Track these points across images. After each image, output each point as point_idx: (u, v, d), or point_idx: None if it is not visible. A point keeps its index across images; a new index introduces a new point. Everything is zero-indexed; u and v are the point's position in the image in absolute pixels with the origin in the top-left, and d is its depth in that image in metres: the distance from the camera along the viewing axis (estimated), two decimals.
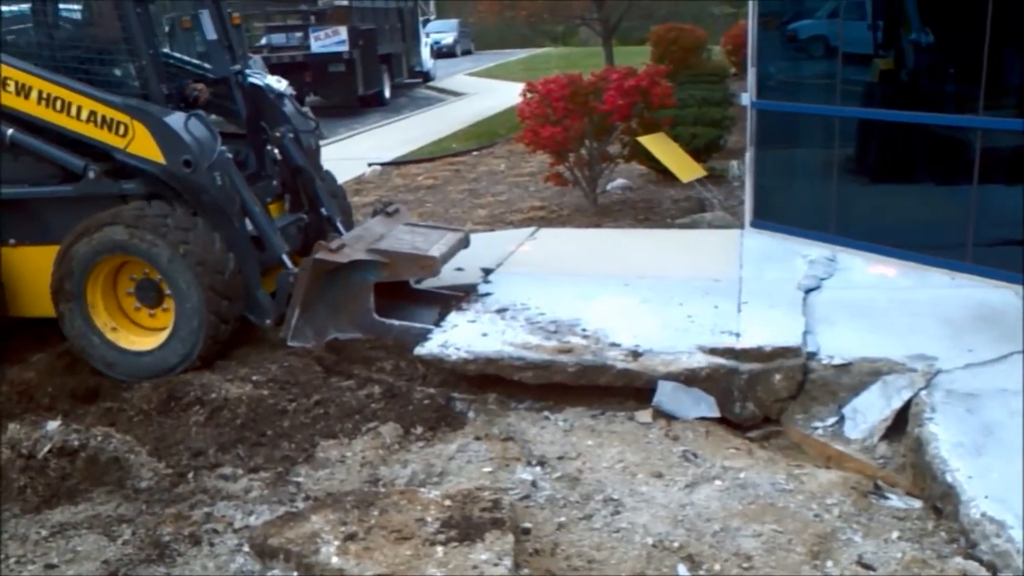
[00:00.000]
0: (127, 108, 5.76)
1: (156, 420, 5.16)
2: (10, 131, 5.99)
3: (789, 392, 5.11)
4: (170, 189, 5.98)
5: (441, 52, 37.18)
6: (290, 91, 7.10)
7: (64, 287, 5.86)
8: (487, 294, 6.47)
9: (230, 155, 6.07)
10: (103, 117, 5.77)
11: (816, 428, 4.89)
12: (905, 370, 4.93)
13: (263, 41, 23.44)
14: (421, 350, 5.59)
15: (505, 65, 34.41)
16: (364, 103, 22.27)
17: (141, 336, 5.99)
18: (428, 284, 6.62)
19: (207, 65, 6.81)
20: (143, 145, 5.73)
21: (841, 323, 5.65)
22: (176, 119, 5.76)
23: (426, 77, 29.00)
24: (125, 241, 5.72)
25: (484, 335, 5.69)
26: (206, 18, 6.58)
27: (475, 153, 14.21)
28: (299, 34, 22.55)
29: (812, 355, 5.22)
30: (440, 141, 15.79)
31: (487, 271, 6.98)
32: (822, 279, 6.48)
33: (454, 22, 42.89)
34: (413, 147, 15.09)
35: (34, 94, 5.85)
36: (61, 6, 6.38)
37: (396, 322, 6.03)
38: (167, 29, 18.71)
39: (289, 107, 6.89)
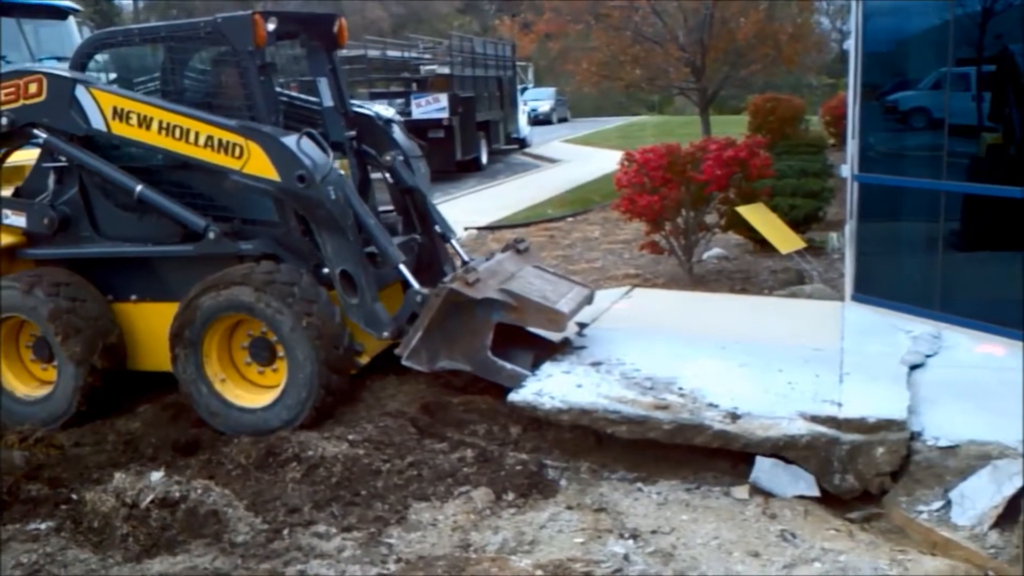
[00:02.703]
0: (242, 130, 5.93)
1: (254, 475, 5.26)
2: (139, 187, 6.25)
3: (891, 467, 4.94)
4: (284, 247, 6.17)
5: (537, 119, 37.69)
6: (398, 118, 7.28)
7: (184, 333, 6.03)
8: (582, 347, 6.45)
9: (342, 172, 6.18)
10: (219, 140, 5.94)
11: (921, 512, 4.70)
12: (1017, 455, 4.73)
13: None
14: (515, 396, 5.58)
15: (600, 132, 34.73)
16: (461, 168, 22.69)
17: (247, 391, 6.13)
18: None
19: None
20: (258, 164, 5.88)
21: (946, 403, 5.46)
22: (290, 138, 5.92)
23: (522, 144, 29.42)
24: (252, 304, 5.87)
25: (579, 386, 5.67)
26: (323, 86, 6.80)
27: (570, 219, 14.31)
28: (401, 100, 23.20)
29: (916, 435, 5.06)
30: (535, 207, 15.96)
31: (582, 325, 6.97)
32: (927, 356, 6.28)
33: (551, 90, 43.51)
34: (508, 212, 15.28)
35: (155, 124, 6.07)
36: (190, 75, 6.67)
37: (508, 365, 5.93)
38: None
39: (397, 133, 7.06)
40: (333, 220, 5.94)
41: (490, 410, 5.92)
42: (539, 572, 4.03)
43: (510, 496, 4.94)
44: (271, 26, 6.03)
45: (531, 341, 6.48)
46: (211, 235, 6.17)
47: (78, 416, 6.29)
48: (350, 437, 5.56)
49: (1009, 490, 4.49)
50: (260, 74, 6.12)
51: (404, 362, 5.92)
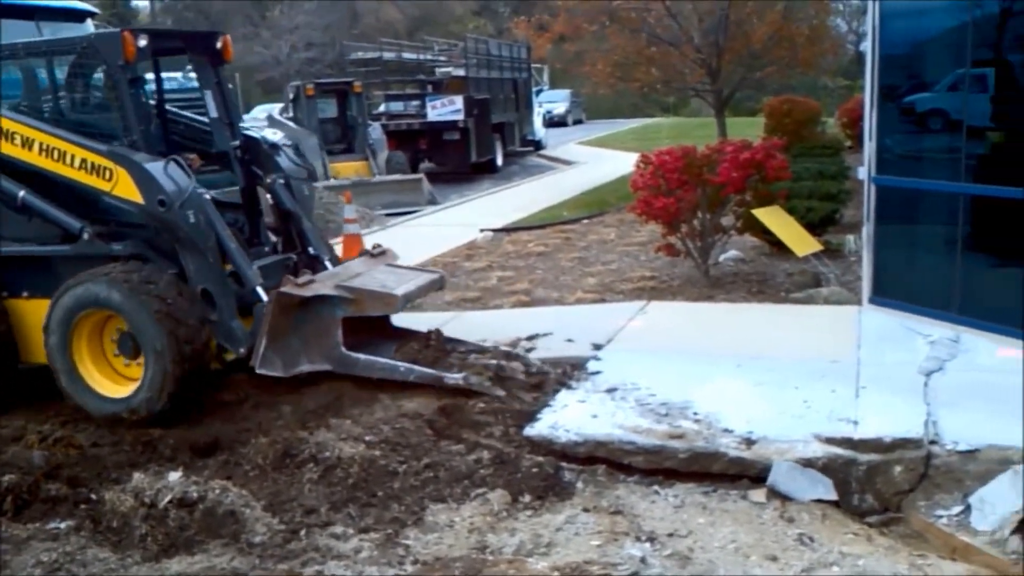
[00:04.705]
0: (111, 155, 6.30)
1: (271, 476, 5.29)
2: (22, 193, 6.62)
3: (910, 484, 4.94)
4: (153, 249, 6.50)
5: (553, 121, 37.66)
6: (284, 143, 7.61)
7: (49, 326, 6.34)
8: (597, 372, 6.47)
9: (208, 195, 6.47)
10: (92, 164, 6.33)
11: (940, 516, 4.68)
12: None
13: (381, 108, 24.27)
14: (531, 431, 5.62)
15: (616, 135, 34.66)
16: (477, 170, 22.71)
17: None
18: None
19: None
20: (125, 188, 6.27)
21: (965, 407, 5.44)
22: (155, 164, 6.25)
23: (537, 145, 29.41)
24: (81, 296, 6.21)
25: (594, 416, 5.68)
26: (210, 98, 7.04)
27: (585, 221, 14.27)
28: (416, 103, 23.26)
29: (935, 440, 5.03)
30: (550, 209, 15.93)
31: (597, 347, 6.99)
32: (944, 361, 6.25)
33: (566, 92, 43.45)
34: (524, 214, 15.26)
35: (36, 146, 6.49)
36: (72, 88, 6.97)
37: (362, 356, 6.34)
38: (291, 96, 19.66)
39: (283, 157, 7.38)
40: (192, 242, 6.31)
41: (506, 412, 5.92)
42: (556, 574, 4.02)
43: (527, 498, 4.94)
44: (142, 42, 6.36)
45: (399, 334, 6.93)
46: (85, 236, 6.54)
47: None
48: (367, 438, 5.58)
49: None
50: (131, 87, 6.44)
51: (259, 370, 6.20)
